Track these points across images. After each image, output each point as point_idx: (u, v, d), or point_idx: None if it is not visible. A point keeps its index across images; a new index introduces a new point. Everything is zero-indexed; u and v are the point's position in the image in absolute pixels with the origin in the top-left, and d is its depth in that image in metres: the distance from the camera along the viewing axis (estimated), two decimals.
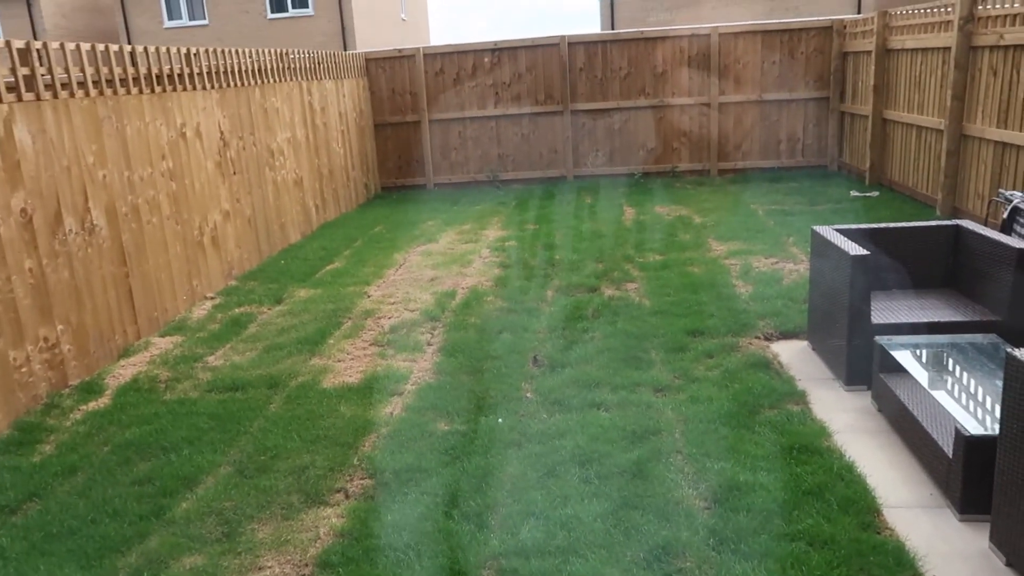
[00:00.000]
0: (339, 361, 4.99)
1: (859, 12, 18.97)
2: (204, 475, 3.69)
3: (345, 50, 21.68)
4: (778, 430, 3.69)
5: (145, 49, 6.01)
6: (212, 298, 6.55)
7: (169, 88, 6.31)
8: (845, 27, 10.59)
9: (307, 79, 9.25)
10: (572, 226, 8.41)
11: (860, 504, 3.07)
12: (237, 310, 6.17)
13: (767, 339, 4.86)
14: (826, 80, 10.83)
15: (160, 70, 6.19)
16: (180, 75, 6.50)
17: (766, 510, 3.08)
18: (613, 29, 20.19)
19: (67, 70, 5.10)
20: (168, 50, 6.34)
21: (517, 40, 11.41)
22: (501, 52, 11.35)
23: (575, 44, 11.21)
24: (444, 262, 7.22)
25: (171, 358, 5.23)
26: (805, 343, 4.76)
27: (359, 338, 5.38)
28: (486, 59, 11.36)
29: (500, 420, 4.04)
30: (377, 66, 11.55)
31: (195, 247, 6.53)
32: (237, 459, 3.82)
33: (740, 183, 10.43)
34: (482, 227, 8.66)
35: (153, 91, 6.08)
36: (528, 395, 4.32)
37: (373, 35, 24.51)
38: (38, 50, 4.81)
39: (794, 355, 4.59)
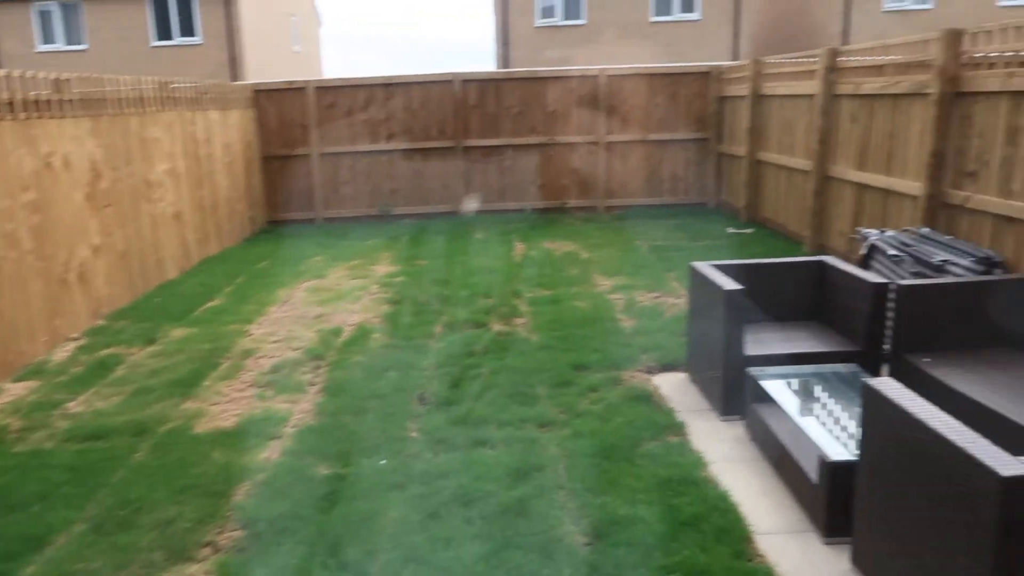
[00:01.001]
0: (214, 404, 4.74)
1: (735, 59, 20.14)
2: (55, 534, 3.39)
3: (234, 80, 21.14)
4: (658, 462, 3.76)
5: (9, 73, 5.64)
6: (77, 339, 6.12)
7: (35, 115, 5.92)
8: (722, 73, 11.19)
9: (191, 109, 8.92)
10: (462, 261, 8.40)
11: (733, 533, 3.15)
12: (104, 351, 5.79)
13: (649, 372, 4.96)
14: (705, 122, 11.38)
15: (26, 96, 5.81)
16: (48, 102, 6.12)
17: (645, 543, 3.10)
18: (507, 67, 20.61)
19: None
20: (35, 75, 5.97)
21: (411, 76, 11.43)
22: (394, 87, 11.34)
23: (468, 81, 11.33)
24: (331, 298, 7.05)
25: (24, 405, 4.83)
26: (684, 375, 4.89)
27: (237, 379, 5.14)
28: (379, 94, 11.31)
29: (383, 462, 3.93)
30: (266, 97, 11.28)
31: (59, 284, 6.10)
32: (94, 515, 3.54)
33: (626, 219, 10.75)
34: (371, 262, 8.53)
35: (16, 118, 5.69)
36: (413, 434, 4.23)
37: (264, 66, 24.01)
38: None
39: (674, 387, 4.71)
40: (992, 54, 5.24)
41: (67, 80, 6.39)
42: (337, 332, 6.03)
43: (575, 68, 11.53)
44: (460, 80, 11.28)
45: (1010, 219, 4.94)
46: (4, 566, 3.16)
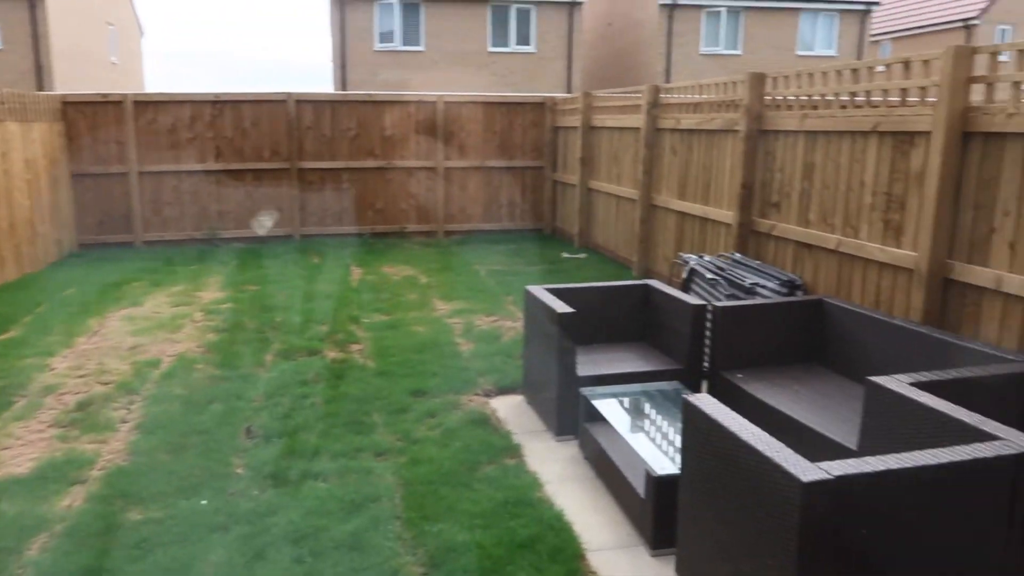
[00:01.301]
0: (5, 448, 4.22)
1: (569, 91, 21.03)
2: None
3: (40, 90, 19.32)
4: (495, 485, 3.75)
5: None
6: None
7: None
8: (556, 104, 11.62)
9: None
10: (296, 287, 8.10)
11: (567, 551, 3.19)
12: None
13: (487, 395, 4.98)
14: (541, 151, 11.75)
15: None
16: None
17: (482, 568, 3.08)
18: (345, 88, 20.30)
19: None
20: None
21: (242, 93, 10.95)
22: (224, 104, 10.81)
23: (303, 102, 11.02)
24: (149, 327, 6.53)
25: None
26: (521, 397, 4.95)
27: (34, 419, 4.62)
28: (207, 111, 10.74)
29: (204, 502, 3.65)
30: (77, 110, 10.37)
31: None
32: None
33: (465, 244, 10.84)
34: (197, 288, 8.02)
35: None
36: (239, 471, 3.97)
37: (76, 77, 22.15)
38: None
39: (511, 410, 4.75)
40: (790, 97, 5.79)
41: None
42: (155, 363, 5.59)
43: (413, 93, 11.55)
44: (295, 100, 10.96)
45: (808, 245, 5.45)
46: None
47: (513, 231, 11.65)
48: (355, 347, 5.98)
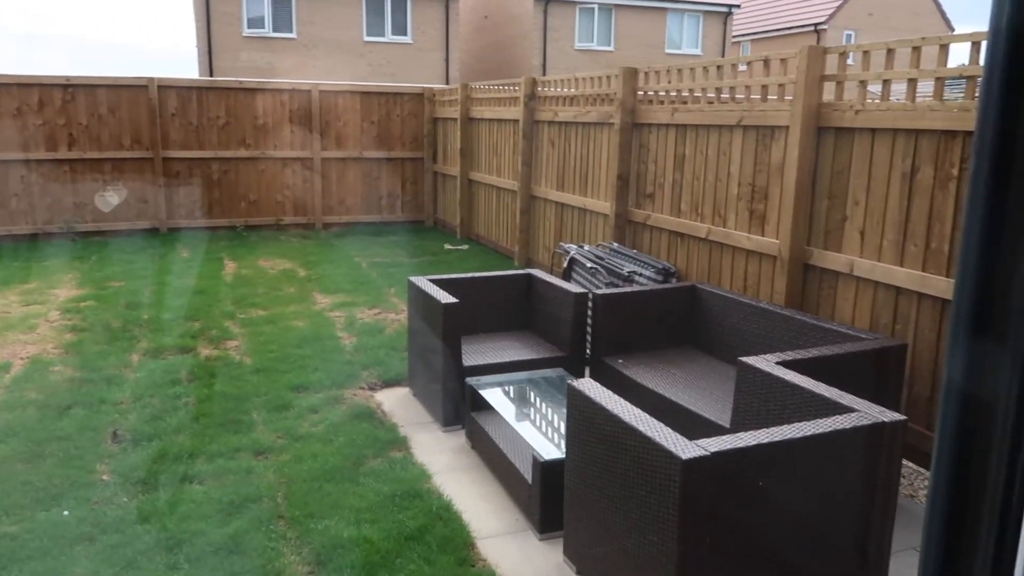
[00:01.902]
0: None
1: (447, 83, 20.95)
2: None
3: None
4: (381, 479, 3.71)
5: None
6: None
7: None
8: (435, 95, 11.55)
9: None
10: (165, 282, 7.66)
11: (457, 541, 3.20)
12: None
13: (371, 389, 4.90)
14: (421, 142, 11.65)
15: None
16: None
17: (370, 563, 3.03)
18: (212, 73, 19.33)
19: None
20: None
21: (97, 77, 10.19)
22: (77, 89, 10.03)
23: (166, 88, 10.41)
24: None
25: None
26: (407, 390, 4.91)
27: None
28: (57, 95, 9.94)
29: (66, 512, 3.40)
30: None
31: None
32: None
33: (345, 237, 10.61)
34: (51, 286, 7.43)
35: None
36: (104, 477, 3.72)
37: None
38: None
39: (396, 402, 4.70)
40: (661, 91, 6.02)
41: None
42: (4, 367, 5.14)
43: (286, 81, 11.16)
44: (157, 85, 10.33)
45: (681, 234, 5.69)
46: None
47: (394, 223, 11.50)
48: (231, 343, 5.73)
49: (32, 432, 4.18)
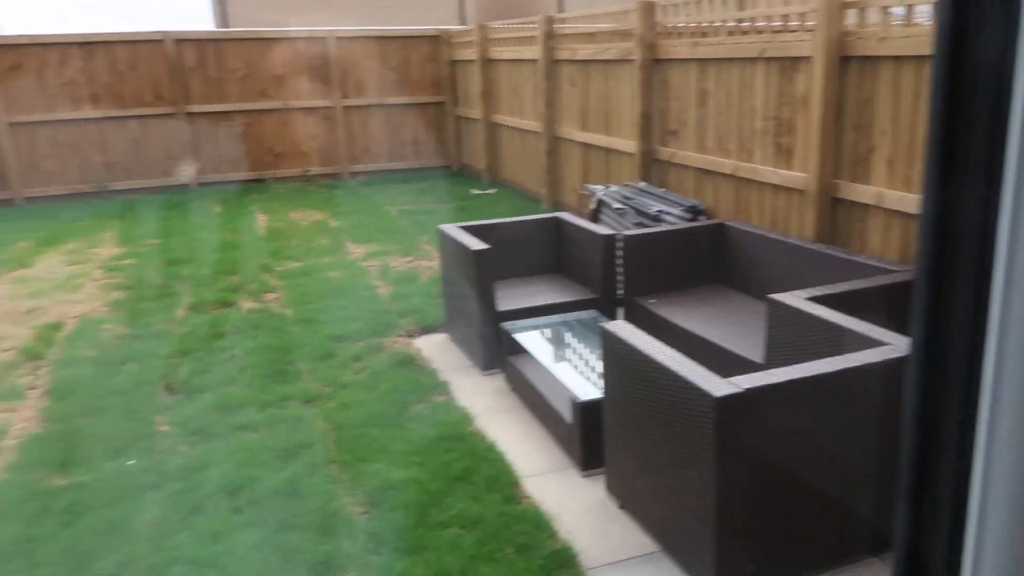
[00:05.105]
0: None
1: (463, 23, 20.58)
2: None
3: None
4: (426, 423, 3.87)
5: None
6: None
7: None
8: (451, 37, 11.41)
9: None
10: (201, 238, 7.83)
11: (502, 480, 3.36)
12: None
13: (409, 336, 5.05)
14: (441, 86, 11.56)
15: None
16: None
17: (420, 503, 3.20)
18: (227, 26, 19.17)
19: None
20: None
21: (113, 34, 10.19)
22: (94, 47, 10.07)
23: (183, 41, 10.40)
24: (45, 289, 6.22)
25: None
26: (444, 336, 5.04)
27: None
28: (76, 54, 9.98)
29: (131, 462, 3.61)
30: None
31: None
32: None
33: (372, 185, 10.67)
34: (92, 245, 7.63)
35: None
36: (164, 428, 3.93)
37: None
38: None
39: (435, 348, 4.84)
40: (680, 25, 5.93)
41: None
42: (57, 327, 5.36)
43: (302, 29, 11.07)
44: (172, 39, 10.32)
45: (707, 171, 5.69)
46: None
47: (420, 169, 11.52)
48: (270, 296, 5.89)
49: (91, 388, 4.40)
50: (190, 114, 10.50)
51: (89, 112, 10.11)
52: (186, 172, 10.46)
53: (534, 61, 8.61)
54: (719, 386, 2.49)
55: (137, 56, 10.23)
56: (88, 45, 10.04)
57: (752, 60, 5.07)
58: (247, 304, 5.72)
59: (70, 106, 10.05)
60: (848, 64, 4.32)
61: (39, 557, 2.94)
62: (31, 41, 9.84)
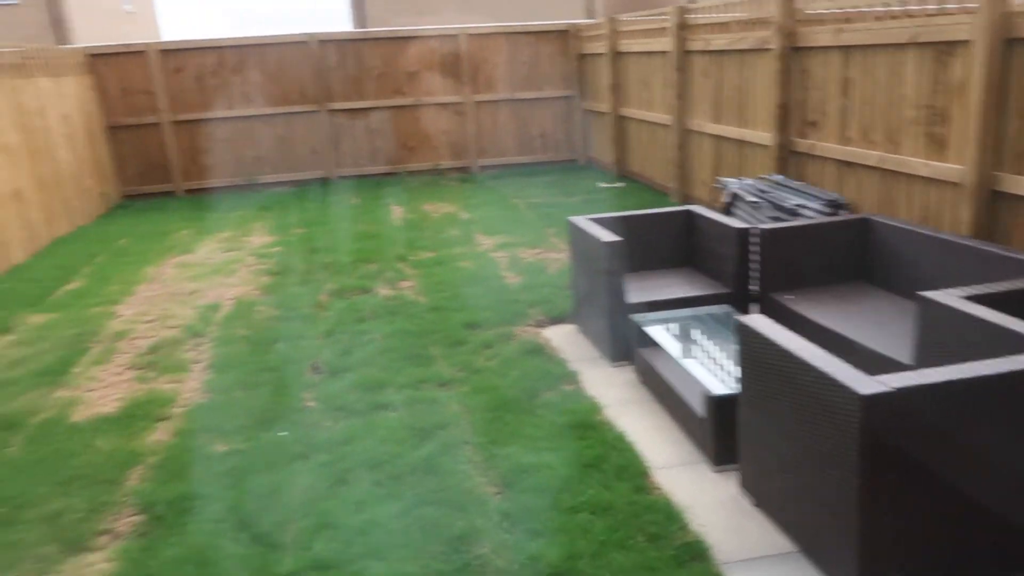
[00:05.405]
0: (90, 391, 4.49)
1: (591, 17, 20.53)
2: None
3: (60, 44, 19.34)
4: (556, 410, 3.94)
5: None
6: None
7: None
8: (580, 31, 11.43)
9: (16, 76, 8.13)
10: (340, 228, 8.26)
11: (632, 470, 3.37)
12: None
13: (539, 326, 5.14)
14: (568, 80, 11.62)
15: None
16: None
17: (552, 487, 3.27)
18: (364, 27, 20.01)
19: None
20: None
21: (264, 37, 10.91)
22: (247, 49, 10.80)
23: (326, 42, 10.97)
24: (204, 273, 6.76)
25: None
26: (572, 327, 5.10)
27: (112, 363, 4.88)
28: (230, 56, 10.74)
29: (283, 433, 3.89)
30: (103, 62, 10.45)
31: None
32: None
33: (501, 179, 10.87)
34: (244, 234, 8.22)
35: None
36: (310, 404, 4.20)
37: (94, 28, 22.10)
38: None
39: (564, 339, 4.91)
40: (822, 11, 5.69)
41: None
42: (215, 307, 5.81)
43: (435, 28, 11.41)
44: (317, 41, 10.90)
45: (849, 164, 5.44)
46: None
47: (547, 163, 11.63)
48: (405, 284, 6.15)
49: (246, 363, 4.75)
50: (331, 111, 11.06)
51: (241, 111, 10.85)
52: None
53: (664, 53, 8.50)
54: (866, 384, 2.40)
55: (284, 58, 10.89)
56: (241, 48, 10.78)
57: (902, 46, 4.81)
58: (384, 291, 6.00)
59: (225, 105, 10.83)
60: (1013, 47, 4.03)
61: (205, 514, 3.22)
62: (191, 46, 10.68)
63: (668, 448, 3.56)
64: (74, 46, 10.13)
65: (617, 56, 10.10)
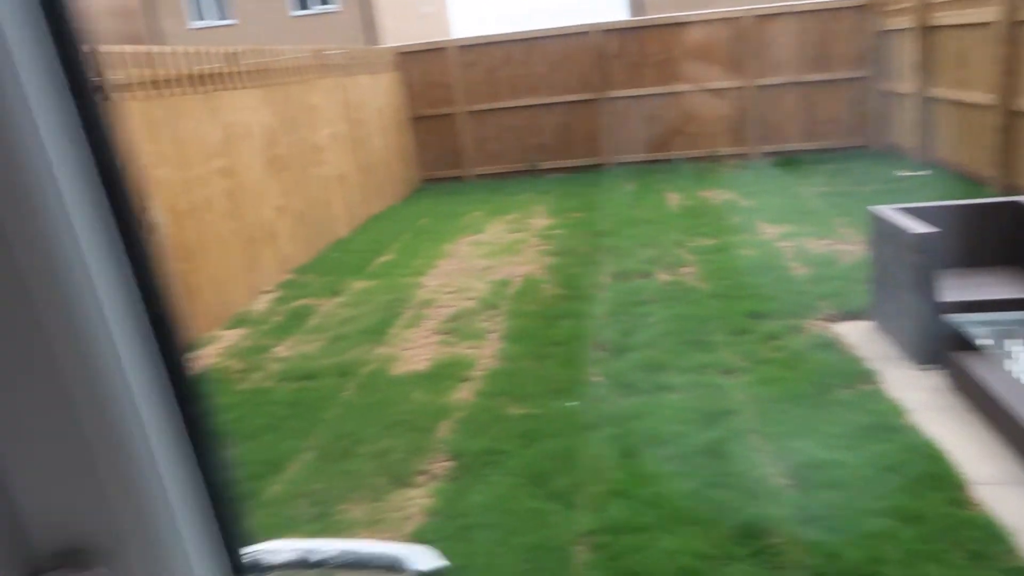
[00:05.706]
0: (405, 349, 5.09)
1: None
2: (288, 460, 3.80)
3: (369, 44, 21.80)
4: (850, 409, 3.73)
5: (186, 50, 6.10)
6: (270, 291, 6.69)
7: (214, 88, 6.39)
8: (881, 6, 10.46)
9: (344, 75, 9.34)
10: (618, 213, 8.45)
11: (943, 480, 3.10)
12: (296, 303, 6.31)
13: (830, 320, 4.87)
14: (863, 59, 10.71)
15: (203, 70, 6.25)
16: (223, 75, 6.55)
17: (849, 486, 3.12)
18: (643, 13, 20.07)
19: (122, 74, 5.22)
20: (208, 50, 6.39)
21: (546, 30, 11.40)
22: (531, 42, 11.37)
23: (606, 32, 11.19)
24: (494, 251, 7.31)
25: (240, 350, 5.37)
26: (870, 323, 4.76)
27: (420, 327, 5.48)
28: (517, 50, 11.38)
29: (573, 403, 4.11)
30: (409, 60, 11.61)
31: (250, 242, 6.67)
32: (318, 444, 3.93)
33: (783, 166, 10.37)
34: (527, 216, 8.73)
35: (199, 91, 6.16)
36: (596, 378, 4.39)
37: (397, 29, 24.60)
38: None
39: (859, 336, 4.60)
40: None
41: (236, 53, 6.83)
42: (506, 283, 6.27)
43: (718, 11, 11.11)
44: (598, 31, 11.15)
45: None
46: (253, 484, 3.59)
47: (834, 149, 10.85)
48: (685, 270, 6.15)
49: (535, 336, 5.08)
50: (609, 99, 11.29)
51: (526, 100, 11.48)
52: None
53: (987, 24, 7.51)
54: None
55: (567, 48, 11.30)
56: (526, 41, 11.37)
57: None
58: (663, 276, 6.05)
59: (511, 96, 11.51)
60: None
61: (506, 468, 3.53)
62: (483, 42, 11.49)
63: (990, 463, 3.22)
64: (386, 46, 11.39)
65: (925, 31, 9.11)
